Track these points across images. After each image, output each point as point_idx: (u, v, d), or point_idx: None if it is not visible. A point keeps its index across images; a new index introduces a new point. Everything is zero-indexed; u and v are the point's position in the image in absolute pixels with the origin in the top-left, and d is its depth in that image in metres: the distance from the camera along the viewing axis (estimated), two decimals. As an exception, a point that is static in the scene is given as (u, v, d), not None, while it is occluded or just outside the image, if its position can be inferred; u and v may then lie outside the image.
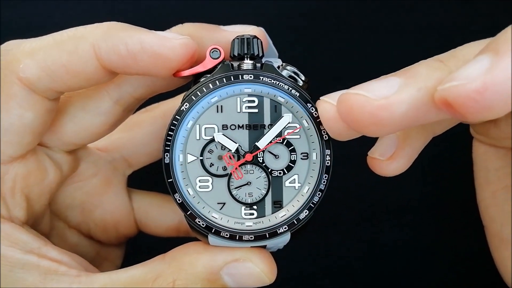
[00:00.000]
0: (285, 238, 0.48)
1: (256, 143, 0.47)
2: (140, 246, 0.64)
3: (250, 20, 0.52)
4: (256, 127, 0.47)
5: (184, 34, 0.50)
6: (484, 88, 0.32)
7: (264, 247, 0.49)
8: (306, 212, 0.47)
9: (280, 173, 0.48)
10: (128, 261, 0.62)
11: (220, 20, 0.53)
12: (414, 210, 0.65)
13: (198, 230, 0.47)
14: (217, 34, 0.51)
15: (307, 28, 0.67)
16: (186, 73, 0.48)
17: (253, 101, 0.47)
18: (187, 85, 0.53)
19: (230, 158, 0.47)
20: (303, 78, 0.48)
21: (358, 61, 0.70)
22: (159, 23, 0.52)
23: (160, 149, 0.60)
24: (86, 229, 0.59)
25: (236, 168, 0.47)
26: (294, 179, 0.48)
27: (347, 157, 0.56)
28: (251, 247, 0.48)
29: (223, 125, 0.47)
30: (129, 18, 0.63)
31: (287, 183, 0.48)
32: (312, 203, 0.47)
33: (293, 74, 0.48)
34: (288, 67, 0.48)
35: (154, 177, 0.62)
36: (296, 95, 0.47)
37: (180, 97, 0.59)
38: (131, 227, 0.61)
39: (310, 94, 0.47)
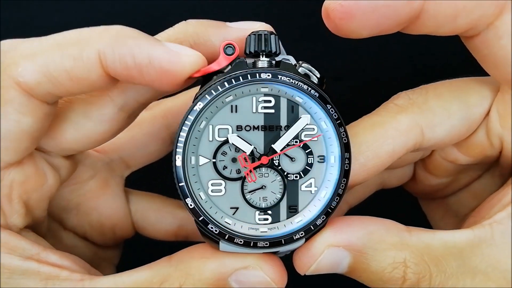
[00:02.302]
0: (299, 243, 0.46)
1: (272, 145, 0.45)
2: (139, 241, 0.62)
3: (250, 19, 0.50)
4: (272, 129, 0.45)
5: (190, 32, 0.48)
6: None
7: (275, 252, 0.46)
8: (323, 217, 0.45)
9: (296, 176, 0.46)
10: (126, 254, 0.61)
11: (221, 19, 0.51)
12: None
13: (210, 237, 0.45)
14: (223, 31, 0.48)
15: (307, 27, 0.66)
16: (198, 74, 0.45)
17: (270, 101, 0.45)
18: (193, 85, 0.51)
19: (245, 160, 0.45)
20: (318, 75, 0.46)
21: (358, 61, 0.69)
22: (159, 23, 0.50)
23: (159, 150, 0.58)
24: (82, 231, 0.57)
25: (250, 171, 0.45)
26: (311, 183, 0.46)
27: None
28: (262, 253, 0.46)
29: (237, 126, 0.45)
30: (129, 18, 0.61)
31: (303, 187, 0.46)
32: (330, 208, 0.45)
33: (308, 72, 0.46)
34: (304, 65, 0.46)
35: (153, 175, 0.60)
36: (315, 95, 0.44)
37: (181, 95, 0.57)
38: (128, 230, 0.58)
39: (326, 93, 0.45)
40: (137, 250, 0.62)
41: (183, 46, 0.45)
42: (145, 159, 0.58)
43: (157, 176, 0.57)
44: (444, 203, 0.58)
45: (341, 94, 0.67)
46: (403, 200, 0.63)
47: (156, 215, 0.58)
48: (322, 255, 0.45)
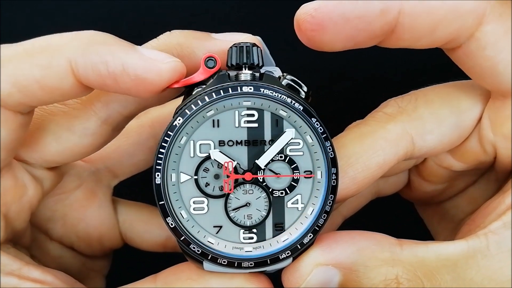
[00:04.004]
0: (287, 262, 0.44)
1: (256, 161, 0.43)
2: (129, 251, 0.60)
3: (248, 22, 0.49)
4: (256, 143, 0.43)
5: (173, 43, 0.46)
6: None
7: (263, 270, 0.45)
8: (310, 235, 0.43)
9: (281, 193, 0.44)
10: (116, 264, 0.60)
11: (219, 21, 0.49)
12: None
13: (193, 257, 0.43)
14: (208, 42, 0.47)
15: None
16: (178, 84, 0.44)
17: (253, 115, 0.43)
18: (181, 94, 0.49)
19: (230, 170, 0.43)
20: (305, 89, 0.44)
21: (358, 60, 0.67)
22: (159, 23, 0.49)
23: (147, 159, 0.56)
24: (69, 242, 0.55)
25: (230, 182, 0.43)
26: (297, 199, 0.44)
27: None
28: (249, 273, 0.44)
29: (219, 141, 0.43)
30: (129, 18, 0.59)
31: (289, 204, 0.44)
32: (317, 225, 0.43)
33: (294, 85, 0.44)
34: (289, 77, 0.44)
35: (143, 184, 0.59)
36: (299, 108, 0.43)
37: (169, 104, 0.56)
38: (116, 240, 0.57)
39: (313, 103, 0.44)
40: (127, 260, 0.60)
41: (160, 52, 0.43)
42: (132, 169, 0.57)
43: (146, 186, 0.56)
44: (440, 209, 0.56)
45: (341, 94, 0.66)
46: (399, 207, 0.61)
47: (144, 226, 0.57)
48: (311, 274, 0.43)
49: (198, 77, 0.44)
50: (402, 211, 0.61)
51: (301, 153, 0.44)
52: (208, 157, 0.43)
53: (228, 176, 0.43)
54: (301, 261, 0.44)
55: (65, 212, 0.54)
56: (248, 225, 0.44)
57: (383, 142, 0.46)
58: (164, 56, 0.43)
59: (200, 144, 0.43)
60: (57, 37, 0.43)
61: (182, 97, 0.51)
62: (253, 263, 0.43)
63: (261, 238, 0.44)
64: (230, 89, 0.42)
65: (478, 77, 0.45)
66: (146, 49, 0.43)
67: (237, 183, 0.43)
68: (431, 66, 0.66)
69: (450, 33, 0.42)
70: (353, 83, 0.69)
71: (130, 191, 0.59)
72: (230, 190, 0.43)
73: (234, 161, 0.43)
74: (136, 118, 0.55)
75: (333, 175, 0.43)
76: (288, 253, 0.43)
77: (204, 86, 0.43)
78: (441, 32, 0.42)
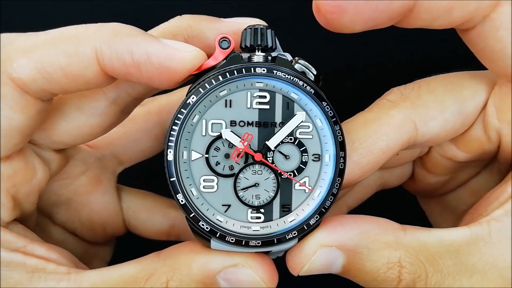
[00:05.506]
0: (292, 244, 0.45)
1: (266, 142, 0.44)
2: (132, 238, 0.61)
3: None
4: (266, 125, 0.44)
5: (183, 25, 0.47)
6: None
7: (267, 252, 0.46)
8: (316, 217, 0.44)
9: (290, 175, 0.45)
10: (119, 252, 0.60)
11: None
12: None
13: (201, 234, 0.44)
14: (217, 24, 0.48)
15: (307, 26, 0.66)
16: (196, 70, 0.44)
17: (265, 97, 0.44)
18: (189, 82, 0.50)
19: (247, 142, 0.44)
20: (314, 72, 0.45)
21: (358, 59, 0.68)
22: (159, 23, 0.50)
23: (152, 147, 0.57)
24: (72, 227, 0.56)
25: (240, 153, 0.44)
26: (305, 181, 0.45)
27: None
28: (253, 252, 0.45)
29: (231, 121, 0.44)
30: (129, 18, 0.61)
31: (297, 186, 0.45)
32: (324, 207, 0.44)
33: (304, 68, 0.45)
34: (300, 61, 0.45)
35: (148, 172, 0.59)
36: (311, 92, 0.43)
37: (177, 92, 0.57)
38: (119, 227, 0.57)
39: (322, 90, 0.45)
40: (130, 247, 0.61)
41: (182, 43, 0.44)
42: (138, 156, 0.57)
43: (152, 173, 0.56)
44: (442, 201, 0.57)
45: (341, 94, 0.67)
46: (402, 199, 0.62)
47: (148, 214, 0.57)
48: (315, 255, 0.44)
49: (215, 59, 0.44)
50: (406, 203, 0.62)
51: (310, 137, 0.44)
52: (219, 136, 0.44)
53: (241, 145, 0.44)
54: (306, 241, 0.44)
55: (69, 197, 0.55)
56: (256, 205, 0.45)
57: (386, 128, 0.47)
58: (186, 46, 0.44)
59: (212, 123, 0.44)
60: (83, 27, 0.44)
61: (189, 85, 0.52)
62: (260, 242, 0.44)
63: (268, 218, 0.45)
64: (243, 69, 0.43)
65: (488, 59, 0.46)
66: (168, 40, 0.44)
67: (246, 163, 0.44)
68: (433, 65, 0.67)
69: (467, 13, 0.43)
70: (353, 82, 0.70)
71: (133, 183, 0.60)
72: (237, 158, 0.44)
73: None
74: (143, 105, 0.56)
75: (341, 158, 0.44)
76: (294, 233, 0.44)
77: (218, 66, 0.44)
78: (458, 12, 0.43)
